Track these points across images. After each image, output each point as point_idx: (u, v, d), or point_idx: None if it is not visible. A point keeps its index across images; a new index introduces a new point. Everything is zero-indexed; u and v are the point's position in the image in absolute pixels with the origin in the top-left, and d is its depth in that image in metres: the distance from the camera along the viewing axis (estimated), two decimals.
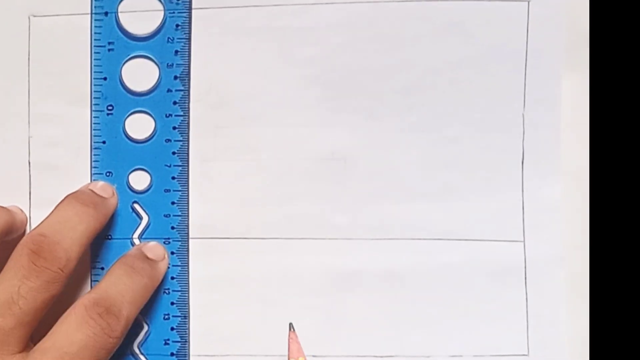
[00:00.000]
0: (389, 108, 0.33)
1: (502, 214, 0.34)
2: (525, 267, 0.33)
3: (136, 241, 0.34)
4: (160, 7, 0.33)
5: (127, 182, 0.33)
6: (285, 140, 0.34)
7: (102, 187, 0.33)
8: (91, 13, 0.33)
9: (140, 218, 0.34)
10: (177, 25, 0.33)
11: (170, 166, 0.34)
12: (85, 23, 0.33)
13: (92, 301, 0.30)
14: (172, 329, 0.34)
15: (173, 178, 0.34)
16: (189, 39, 0.33)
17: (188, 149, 0.34)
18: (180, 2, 0.33)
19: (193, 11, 0.33)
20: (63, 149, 0.34)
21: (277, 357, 0.34)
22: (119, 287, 0.31)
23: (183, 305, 0.34)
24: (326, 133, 0.34)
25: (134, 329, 0.32)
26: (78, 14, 0.33)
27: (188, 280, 0.34)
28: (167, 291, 0.34)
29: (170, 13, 0.33)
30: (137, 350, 0.33)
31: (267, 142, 0.34)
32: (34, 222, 0.34)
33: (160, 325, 0.34)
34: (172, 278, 0.34)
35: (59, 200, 0.32)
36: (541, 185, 0.33)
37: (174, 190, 0.34)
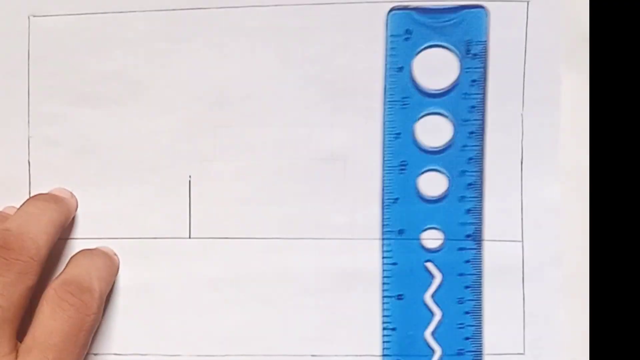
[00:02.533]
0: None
1: (501, 213, 0.34)
2: (523, 267, 0.33)
3: (428, 300, 0.33)
4: (456, 62, 0.33)
5: (420, 241, 0.33)
6: (285, 140, 0.34)
7: (59, 190, 0.33)
8: (385, 68, 0.33)
9: (433, 277, 0.33)
10: (473, 81, 0.33)
11: (464, 224, 0.33)
12: (85, 23, 0.33)
13: (60, 282, 0.30)
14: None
15: (468, 236, 0.33)
16: (485, 93, 0.33)
17: (482, 207, 0.33)
18: (477, 57, 0.33)
19: (193, 11, 0.33)
20: (63, 149, 0.34)
21: (277, 357, 0.34)
22: (82, 266, 0.31)
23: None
24: (326, 133, 0.34)
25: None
26: (78, 14, 0.33)
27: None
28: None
29: (466, 69, 0.33)
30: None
31: (267, 142, 0.34)
32: None
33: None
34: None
35: None
36: (540, 186, 0.33)
37: (468, 249, 0.33)
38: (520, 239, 0.34)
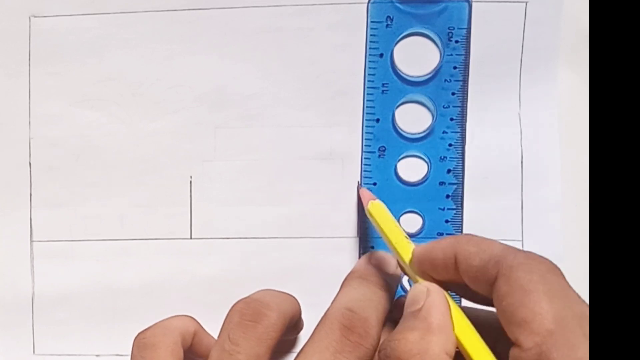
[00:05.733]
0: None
1: (501, 213, 0.34)
2: None
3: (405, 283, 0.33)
4: (437, 49, 0.33)
5: (399, 225, 0.33)
6: (285, 140, 0.34)
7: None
8: (366, 54, 0.33)
9: None
10: (455, 68, 0.33)
11: (443, 209, 0.34)
12: (85, 23, 0.33)
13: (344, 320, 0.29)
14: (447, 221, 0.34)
15: (447, 221, 0.34)
16: (466, 80, 0.33)
17: (463, 191, 0.34)
18: (458, 44, 0.33)
19: (194, 11, 0.33)
20: (64, 150, 0.34)
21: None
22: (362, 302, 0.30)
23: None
24: (326, 133, 0.34)
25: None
26: (78, 15, 0.33)
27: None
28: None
29: (447, 55, 0.33)
30: None
31: (267, 142, 0.34)
32: (35, 222, 0.34)
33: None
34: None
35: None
36: (540, 185, 0.34)
37: (446, 233, 0.34)
38: (520, 239, 0.34)
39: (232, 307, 0.29)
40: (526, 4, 0.33)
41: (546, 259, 0.25)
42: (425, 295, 0.27)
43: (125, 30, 0.33)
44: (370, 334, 0.28)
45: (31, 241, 0.34)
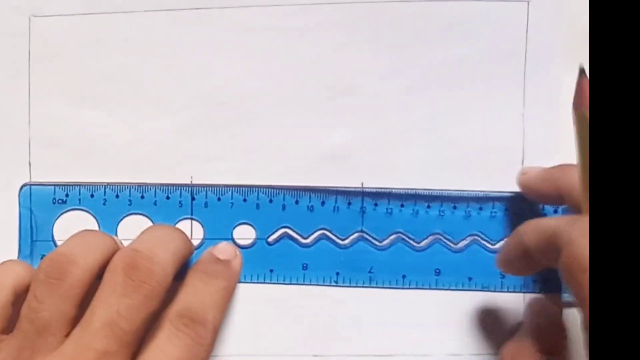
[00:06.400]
0: (389, 108, 0.33)
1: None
2: None
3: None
4: None
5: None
6: (285, 140, 0.34)
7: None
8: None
9: None
10: None
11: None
12: (85, 23, 0.33)
13: (175, 314, 0.29)
14: None
15: None
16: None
17: None
18: None
19: (194, 11, 0.33)
20: (63, 150, 0.34)
21: (278, 357, 0.34)
22: (197, 295, 0.30)
23: None
24: (326, 133, 0.34)
25: None
26: (78, 14, 0.33)
27: None
28: None
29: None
30: None
31: (267, 142, 0.34)
32: None
33: None
34: None
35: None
36: None
37: None
38: None
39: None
40: (528, 3, 0.33)
41: None
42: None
43: (125, 30, 0.34)
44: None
45: (31, 240, 0.34)
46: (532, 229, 0.27)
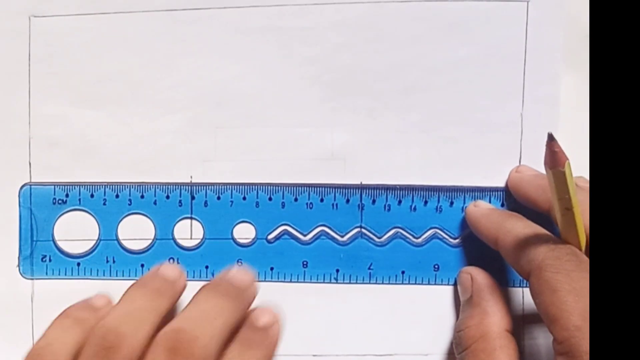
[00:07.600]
0: (389, 108, 0.34)
1: None
2: None
3: None
4: None
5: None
6: (285, 140, 0.34)
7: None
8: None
9: None
10: None
11: None
12: (85, 23, 0.33)
13: None
14: None
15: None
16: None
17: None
18: None
19: (194, 11, 0.33)
20: (63, 150, 0.34)
21: (278, 357, 0.34)
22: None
23: None
24: (326, 133, 0.34)
25: None
26: (78, 14, 0.33)
27: None
28: None
29: None
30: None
31: (267, 142, 0.34)
32: None
33: None
34: None
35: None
36: None
37: None
38: None
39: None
40: (528, 3, 0.33)
41: (573, 256, 0.26)
42: (470, 282, 0.31)
43: (125, 30, 0.34)
44: (196, 355, 0.27)
45: (32, 241, 0.34)
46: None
